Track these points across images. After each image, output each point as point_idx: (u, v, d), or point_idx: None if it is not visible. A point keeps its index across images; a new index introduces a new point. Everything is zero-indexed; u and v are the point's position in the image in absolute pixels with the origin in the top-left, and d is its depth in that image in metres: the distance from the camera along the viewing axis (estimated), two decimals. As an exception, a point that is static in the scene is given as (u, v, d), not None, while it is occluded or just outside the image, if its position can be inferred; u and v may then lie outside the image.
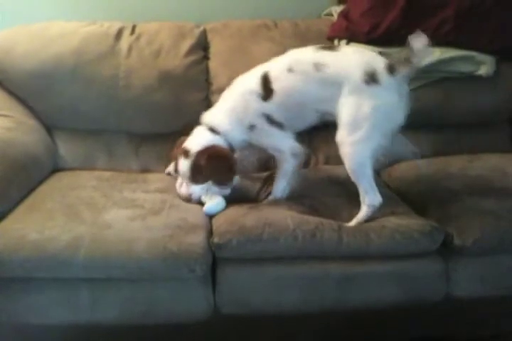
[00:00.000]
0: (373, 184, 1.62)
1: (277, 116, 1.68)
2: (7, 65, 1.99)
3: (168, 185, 1.85)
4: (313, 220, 1.59)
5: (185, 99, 2.04)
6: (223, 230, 1.56)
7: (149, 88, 2.00)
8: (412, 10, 2.06)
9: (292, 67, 1.65)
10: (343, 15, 2.18)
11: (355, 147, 1.58)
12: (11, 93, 2.03)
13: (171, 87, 2.02)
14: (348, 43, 2.10)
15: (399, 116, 1.60)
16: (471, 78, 2.09)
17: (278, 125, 1.69)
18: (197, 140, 1.73)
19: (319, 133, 2.10)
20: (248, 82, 1.72)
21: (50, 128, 2.06)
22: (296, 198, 1.75)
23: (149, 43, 2.06)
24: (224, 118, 1.73)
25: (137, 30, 2.09)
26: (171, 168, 1.92)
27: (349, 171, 1.62)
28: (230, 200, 1.72)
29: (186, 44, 2.07)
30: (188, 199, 1.73)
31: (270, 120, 1.68)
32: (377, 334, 1.75)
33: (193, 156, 1.69)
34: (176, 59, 2.05)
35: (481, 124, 2.18)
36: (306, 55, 1.67)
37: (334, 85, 1.60)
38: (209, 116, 1.76)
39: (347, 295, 1.59)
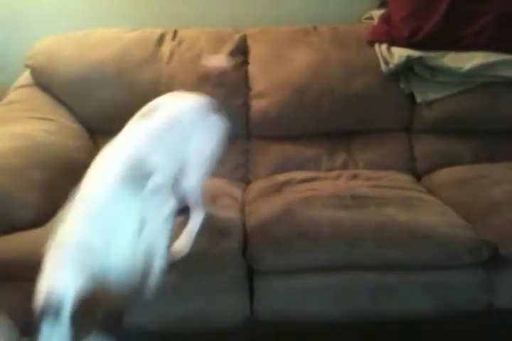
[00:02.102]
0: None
1: None
2: (52, 71, 2.04)
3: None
4: (350, 228, 1.56)
5: (225, 104, 2.04)
6: (257, 243, 1.55)
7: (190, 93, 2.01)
8: (453, 15, 2.04)
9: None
10: (384, 19, 2.16)
11: (199, 180, 1.54)
12: (55, 98, 2.08)
13: (210, 93, 2.03)
14: (388, 47, 2.08)
15: None
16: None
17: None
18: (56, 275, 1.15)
19: (357, 138, 2.11)
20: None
21: (92, 132, 2.10)
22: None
23: (190, 49, 2.08)
24: None
25: (178, 36, 2.13)
26: None
27: (191, 201, 1.56)
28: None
29: (226, 49, 2.08)
30: None
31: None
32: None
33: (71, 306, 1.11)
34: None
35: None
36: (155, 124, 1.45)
37: (187, 133, 1.49)
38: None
39: (382, 305, 1.57)
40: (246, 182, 2.06)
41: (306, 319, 1.60)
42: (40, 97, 2.08)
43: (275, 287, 1.56)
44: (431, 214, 1.64)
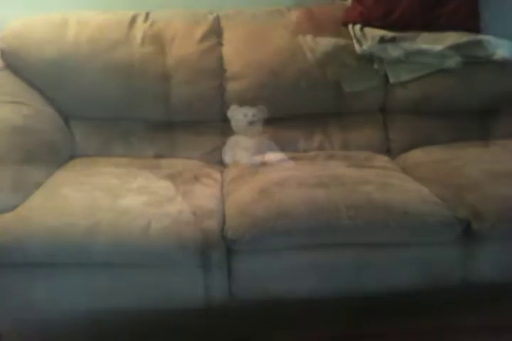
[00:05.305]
0: None
1: None
2: (24, 54, 2.00)
3: (181, 170, 1.88)
4: (327, 206, 1.58)
5: (200, 86, 2.04)
6: (236, 223, 1.55)
7: (164, 75, 2.00)
8: (427, -5, 2.04)
9: None
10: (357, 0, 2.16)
11: None
12: (28, 81, 2.04)
13: (185, 74, 2.02)
14: (362, 28, 2.09)
15: None
16: (492, 63, 2.05)
17: None
18: None
19: (334, 120, 2.12)
20: None
21: (66, 116, 2.07)
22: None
23: (163, 30, 2.05)
24: None
25: (150, 18, 2.09)
26: None
27: None
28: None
29: (200, 30, 2.07)
30: None
31: None
32: (391, 320, 1.75)
33: None
34: (190, 46, 2.04)
35: (500, 110, 2.14)
36: None
37: None
38: None
39: (363, 281, 1.60)
40: (223, 165, 2.06)
41: (286, 297, 1.62)
42: (12, 81, 2.03)
43: (253, 266, 1.57)
44: (406, 192, 1.66)
